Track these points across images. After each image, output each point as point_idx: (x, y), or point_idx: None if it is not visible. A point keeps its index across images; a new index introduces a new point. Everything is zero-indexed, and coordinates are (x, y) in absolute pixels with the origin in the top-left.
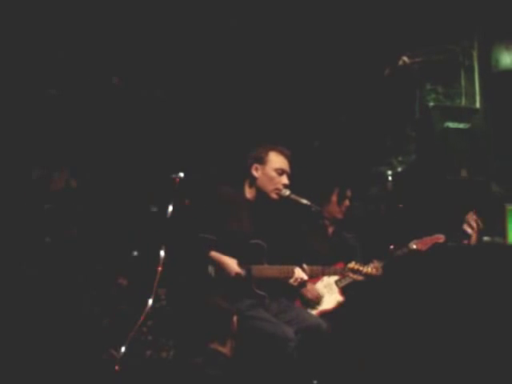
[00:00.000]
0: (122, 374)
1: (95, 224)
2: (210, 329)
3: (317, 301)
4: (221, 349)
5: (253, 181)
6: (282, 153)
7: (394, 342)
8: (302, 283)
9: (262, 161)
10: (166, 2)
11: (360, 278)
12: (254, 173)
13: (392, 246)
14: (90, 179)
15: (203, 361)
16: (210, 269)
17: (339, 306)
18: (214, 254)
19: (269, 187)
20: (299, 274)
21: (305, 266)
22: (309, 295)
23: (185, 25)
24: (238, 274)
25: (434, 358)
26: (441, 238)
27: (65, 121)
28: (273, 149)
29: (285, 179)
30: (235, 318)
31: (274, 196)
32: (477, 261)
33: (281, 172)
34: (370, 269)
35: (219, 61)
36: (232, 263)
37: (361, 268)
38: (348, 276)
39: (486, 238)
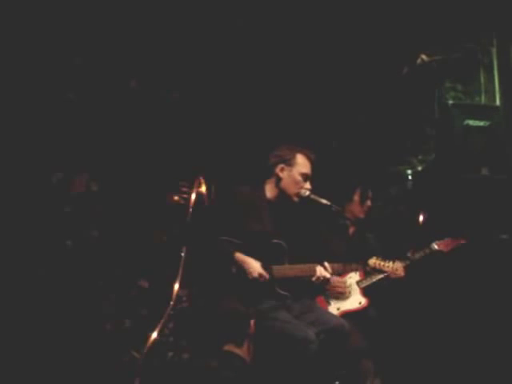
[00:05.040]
0: (143, 375)
1: (116, 227)
2: (226, 331)
3: (346, 293)
4: (237, 351)
5: (276, 181)
6: (308, 157)
7: (415, 343)
8: (325, 281)
9: (289, 162)
10: (182, 6)
11: (381, 275)
12: (280, 173)
13: (413, 247)
14: (111, 182)
15: (219, 363)
16: (233, 270)
17: (361, 307)
18: (238, 255)
19: (292, 190)
20: (321, 272)
21: (326, 263)
22: (338, 290)
23: (202, 27)
24: (261, 275)
25: (455, 358)
26: (463, 240)
27: (84, 124)
28: (300, 151)
29: (308, 184)
30: (253, 321)
31: (296, 199)
32: (498, 260)
33: (306, 177)
34: (391, 264)
35: (237, 61)
36: (256, 265)
37: (382, 263)
38: (369, 273)
39: (505, 236)
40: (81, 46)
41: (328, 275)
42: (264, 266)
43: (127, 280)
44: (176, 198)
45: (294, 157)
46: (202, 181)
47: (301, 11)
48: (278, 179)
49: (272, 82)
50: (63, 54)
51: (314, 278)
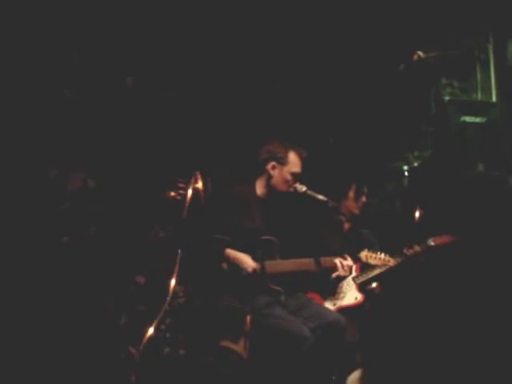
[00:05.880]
0: (139, 371)
1: (112, 223)
2: (223, 327)
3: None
4: (234, 347)
5: (267, 178)
6: (300, 156)
7: (415, 339)
8: (349, 270)
9: (281, 161)
10: (178, 4)
11: (377, 271)
12: (271, 171)
13: (409, 243)
14: (107, 179)
15: (216, 359)
16: (225, 267)
17: (357, 303)
18: (228, 251)
19: (282, 188)
20: (343, 262)
21: (346, 255)
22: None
23: (198, 25)
24: (253, 269)
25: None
26: (459, 236)
27: (81, 121)
28: (293, 149)
29: (297, 183)
30: (249, 318)
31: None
32: (494, 256)
33: (296, 176)
34: (383, 256)
35: (234, 59)
36: (246, 258)
37: (374, 256)
38: (365, 269)
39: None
40: (78, 43)
41: (351, 263)
42: (255, 259)
43: (124, 276)
44: (173, 193)
45: (286, 155)
46: (199, 176)
47: (298, 8)
48: (269, 176)
49: (270, 80)
50: (60, 51)
51: (341, 272)
